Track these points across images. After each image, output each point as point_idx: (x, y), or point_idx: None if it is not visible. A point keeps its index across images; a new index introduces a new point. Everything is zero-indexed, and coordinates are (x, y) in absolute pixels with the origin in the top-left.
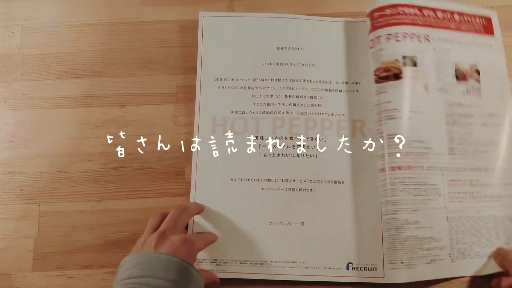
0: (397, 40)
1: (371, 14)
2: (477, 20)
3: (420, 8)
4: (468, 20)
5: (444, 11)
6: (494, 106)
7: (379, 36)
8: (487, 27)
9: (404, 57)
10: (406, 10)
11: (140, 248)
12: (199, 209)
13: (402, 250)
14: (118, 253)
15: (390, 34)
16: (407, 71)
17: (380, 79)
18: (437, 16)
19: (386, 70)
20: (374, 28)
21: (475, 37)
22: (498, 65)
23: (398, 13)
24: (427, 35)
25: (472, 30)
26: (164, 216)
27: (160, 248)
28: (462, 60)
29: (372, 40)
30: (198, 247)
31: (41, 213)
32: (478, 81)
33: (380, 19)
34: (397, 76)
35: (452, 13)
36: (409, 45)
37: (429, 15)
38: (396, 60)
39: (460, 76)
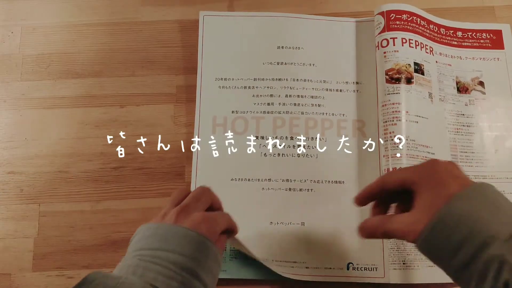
0: (411, 46)
1: (386, 14)
2: (484, 35)
3: (429, 22)
4: (472, 36)
5: (447, 28)
6: (500, 115)
7: (394, 38)
8: (495, 41)
9: (415, 63)
10: (419, 20)
11: (160, 219)
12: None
13: (405, 251)
14: (118, 253)
15: (405, 39)
16: (418, 78)
17: (392, 79)
18: (440, 32)
19: (399, 72)
20: (390, 28)
21: (479, 52)
22: (507, 76)
23: (412, 21)
24: (432, 48)
25: (476, 46)
26: (188, 193)
27: (180, 223)
28: (463, 74)
29: (385, 39)
30: (220, 227)
31: (41, 213)
32: (483, 92)
33: (396, 21)
34: (409, 81)
35: (455, 30)
36: (419, 53)
37: (434, 30)
38: (409, 65)
39: (461, 88)
